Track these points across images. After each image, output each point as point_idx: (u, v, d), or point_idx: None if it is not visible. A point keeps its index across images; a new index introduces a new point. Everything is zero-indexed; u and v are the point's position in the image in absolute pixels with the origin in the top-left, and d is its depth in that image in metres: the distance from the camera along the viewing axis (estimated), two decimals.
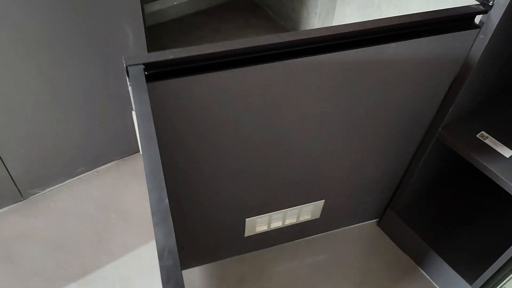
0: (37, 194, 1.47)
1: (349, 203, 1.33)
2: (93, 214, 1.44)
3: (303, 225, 1.34)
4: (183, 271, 1.33)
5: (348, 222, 1.44)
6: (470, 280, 1.17)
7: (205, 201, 1.09)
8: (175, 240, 0.52)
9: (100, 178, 1.53)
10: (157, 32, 2.09)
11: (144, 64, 0.73)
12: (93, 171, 1.54)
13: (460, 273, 1.20)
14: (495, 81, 1.10)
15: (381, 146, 1.13)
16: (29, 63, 1.16)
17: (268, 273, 1.33)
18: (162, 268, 0.50)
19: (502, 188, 1.00)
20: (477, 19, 0.90)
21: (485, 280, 1.08)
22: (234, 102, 0.85)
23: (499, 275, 0.98)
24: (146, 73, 0.74)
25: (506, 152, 1.02)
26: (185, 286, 1.28)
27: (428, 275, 1.33)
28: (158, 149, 0.60)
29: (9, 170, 1.33)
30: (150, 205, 0.55)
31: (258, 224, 1.25)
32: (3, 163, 1.30)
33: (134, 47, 1.32)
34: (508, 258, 0.97)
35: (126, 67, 0.73)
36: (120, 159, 1.58)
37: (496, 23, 0.86)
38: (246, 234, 1.27)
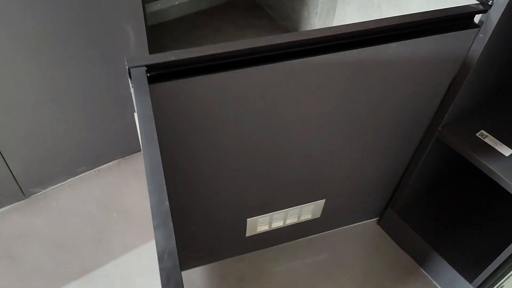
0: (39, 193, 1.48)
1: (349, 202, 1.34)
2: (94, 213, 1.44)
3: (304, 225, 1.34)
4: (184, 271, 1.33)
5: (349, 221, 1.44)
6: (470, 279, 1.17)
7: (206, 201, 1.09)
8: (175, 243, 0.52)
9: (102, 177, 1.53)
10: (158, 32, 2.10)
11: (146, 65, 0.73)
12: (94, 170, 1.55)
13: (461, 272, 1.20)
14: (494, 80, 1.10)
15: (381, 145, 1.14)
16: (30, 63, 1.17)
17: (269, 272, 1.34)
18: (162, 270, 0.50)
19: (501, 187, 1.00)
20: (477, 18, 0.90)
21: (485, 278, 1.08)
22: (235, 102, 0.86)
23: (498, 273, 0.99)
24: (148, 74, 0.74)
25: (506, 151, 1.03)
26: (185, 286, 1.29)
27: (428, 274, 1.33)
28: (159, 151, 0.61)
29: (11, 169, 1.34)
30: (151, 207, 0.55)
31: (259, 224, 1.25)
32: (5, 162, 1.31)
33: (136, 47, 1.32)
34: (507, 256, 0.98)
35: (129, 69, 0.73)
36: (121, 158, 1.59)
37: (496, 22, 0.86)
38: (247, 234, 1.27)
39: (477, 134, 1.06)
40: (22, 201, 1.45)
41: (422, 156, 1.17)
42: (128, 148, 1.58)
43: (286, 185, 1.14)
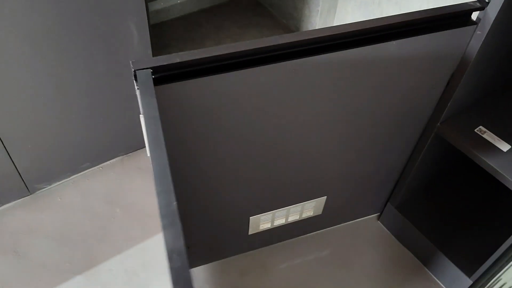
0: (44, 189, 1.49)
1: (350, 199, 1.35)
2: (98, 208, 1.46)
3: (306, 222, 1.35)
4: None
5: (349, 217, 1.46)
6: (469, 273, 1.19)
7: (209, 201, 1.10)
8: (183, 242, 0.52)
9: (105, 174, 1.55)
10: (160, 30, 2.11)
11: (151, 68, 0.74)
12: (98, 166, 1.57)
13: (460, 266, 1.21)
14: (492, 77, 1.12)
15: (380, 142, 1.15)
16: (34, 60, 1.18)
17: (271, 268, 1.35)
18: (171, 269, 0.50)
19: (500, 182, 1.02)
20: (474, 15, 0.92)
21: (483, 271, 1.09)
22: (237, 102, 0.87)
23: (496, 266, 1.00)
24: (153, 76, 0.74)
25: (504, 146, 1.04)
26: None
27: (428, 269, 1.35)
28: (166, 152, 0.61)
29: (16, 165, 1.35)
30: (159, 208, 0.55)
31: (262, 222, 1.26)
32: (11, 158, 1.32)
33: (139, 45, 1.34)
34: (505, 249, 0.99)
35: (134, 71, 0.73)
36: (125, 155, 1.61)
37: (493, 19, 0.88)
38: (250, 232, 1.28)
39: (475, 130, 1.08)
40: (27, 197, 1.47)
41: (421, 152, 1.18)
42: (131, 145, 1.60)
43: (288, 183, 1.15)
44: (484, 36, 0.90)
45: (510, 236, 0.99)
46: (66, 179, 1.52)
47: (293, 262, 1.37)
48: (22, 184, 1.42)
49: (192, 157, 0.95)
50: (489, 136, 1.06)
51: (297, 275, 1.34)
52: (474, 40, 0.93)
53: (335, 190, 1.27)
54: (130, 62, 0.74)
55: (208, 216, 1.15)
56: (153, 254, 1.36)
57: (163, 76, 0.77)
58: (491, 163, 1.01)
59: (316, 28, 1.94)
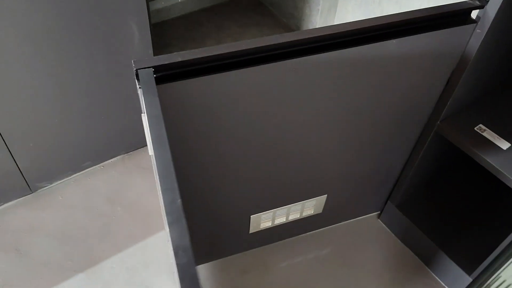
0: (45, 188, 1.50)
1: (350, 197, 1.35)
2: (99, 207, 1.47)
3: (306, 220, 1.36)
4: None
5: (350, 215, 1.46)
6: (469, 271, 1.19)
7: (210, 200, 1.11)
8: (189, 239, 0.53)
9: (106, 172, 1.56)
10: (161, 29, 2.12)
11: (153, 67, 0.74)
12: (99, 165, 1.57)
13: (460, 265, 1.22)
14: (492, 75, 1.12)
15: (380, 140, 1.15)
16: (35, 59, 1.18)
17: (272, 266, 1.36)
18: (177, 265, 0.50)
19: (500, 180, 1.02)
20: (474, 14, 0.92)
21: (482, 269, 1.10)
22: (238, 101, 0.87)
23: (496, 263, 1.00)
24: (154, 75, 0.75)
25: (504, 145, 1.04)
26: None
27: (428, 267, 1.35)
28: (169, 151, 0.61)
29: (18, 164, 1.36)
30: (164, 205, 0.56)
31: (263, 221, 1.27)
32: (12, 156, 1.33)
33: (140, 44, 1.34)
34: (504, 247, 0.99)
35: (136, 70, 0.73)
36: (125, 154, 1.61)
37: (492, 17, 0.88)
38: (251, 230, 1.29)
39: (475, 128, 1.08)
40: (29, 195, 1.48)
41: (421, 151, 1.18)
42: (132, 144, 1.60)
43: (289, 182, 1.16)
44: (484, 35, 0.91)
45: (509, 234, 0.99)
46: (68, 178, 1.53)
47: (294, 261, 1.37)
48: (23, 182, 1.43)
49: (193, 156, 0.95)
50: (489, 134, 1.07)
51: (297, 273, 1.34)
52: (473, 38, 0.93)
53: (336, 189, 1.27)
54: (132, 61, 0.75)
55: (208, 215, 1.16)
56: (154, 252, 1.36)
57: (165, 75, 0.78)
58: (491, 161, 1.01)
59: (317, 27, 1.94)
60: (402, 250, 1.40)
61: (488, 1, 0.87)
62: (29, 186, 1.45)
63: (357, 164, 1.21)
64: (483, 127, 1.08)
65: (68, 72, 1.26)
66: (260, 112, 0.92)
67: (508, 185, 1.00)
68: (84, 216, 1.44)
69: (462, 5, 0.89)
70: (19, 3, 1.07)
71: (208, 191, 1.07)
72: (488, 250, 1.08)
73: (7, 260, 1.32)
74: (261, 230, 1.31)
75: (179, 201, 0.56)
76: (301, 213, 1.30)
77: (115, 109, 1.45)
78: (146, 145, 1.62)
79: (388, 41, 0.88)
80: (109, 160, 1.59)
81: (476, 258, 1.20)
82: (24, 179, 1.42)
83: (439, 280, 1.32)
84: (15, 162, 1.35)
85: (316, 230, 1.44)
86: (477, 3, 0.89)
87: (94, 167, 1.56)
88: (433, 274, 1.34)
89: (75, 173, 1.54)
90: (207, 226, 1.20)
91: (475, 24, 0.91)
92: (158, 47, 1.98)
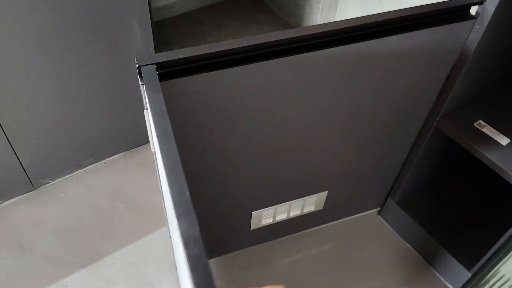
0: (47, 184, 1.51)
1: (351, 194, 1.36)
2: (101, 203, 1.47)
3: (307, 217, 1.36)
4: None
5: (350, 212, 1.47)
6: (469, 266, 1.20)
7: (212, 196, 1.11)
8: (199, 229, 0.53)
9: (108, 169, 1.57)
10: (162, 27, 2.13)
11: (155, 63, 0.75)
12: (101, 162, 1.58)
13: (459, 260, 1.23)
14: (491, 71, 1.12)
15: (381, 136, 1.16)
16: (38, 56, 1.19)
17: (273, 263, 1.36)
18: (189, 256, 0.50)
19: (499, 176, 1.03)
20: (473, 10, 0.93)
21: (481, 264, 1.10)
22: (239, 97, 0.88)
23: (495, 258, 1.01)
24: (157, 72, 0.75)
25: (503, 140, 1.05)
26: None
27: (428, 262, 1.36)
28: (175, 145, 0.61)
29: (20, 161, 1.37)
30: (172, 198, 0.55)
31: (264, 217, 1.27)
32: (15, 153, 1.34)
33: (141, 42, 1.35)
34: (503, 241, 1.00)
35: (139, 67, 0.74)
36: (127, 151, 1.62)
37: (491, 13, 0.88)
38: (252, 227, 1.29)
39: (475, 124, 1.09)
40: (31, 192, 1.49)
41: (421, 146, 1.19)
42: (133, 141, 1.61)
43: (290, 178, 1.16)
44: (483, 31, 0.91)
45: (509, 228, 1.00)
46: (70, 175, 1.54)
47: (295, 257, 1.38)
48: (26, 179, 1.44)
49: (194, 153, 0.96)
50: (488, 130, 1.07)
51: (298, 269, 1.35)
52: (473, 34, 0.94)
53: (336, 185, 1.28)
54: (135, 58, 0.75)
55: (210, 211, 1.16)
56: (155, 248, 1.37)
57: (167, 72, 0.78)
58: (491, 157, 1.02)
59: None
60: (402, 245, 1.41)
61: None
62: (31, 183, 1.46)
63: (357, 160, 1.21)
64: (483, 123, 1.08)
65: (70, 69, 1.27)
66: (261, 108, 0.92)
67: (508, 180, 1.01)
68: (86, 213, 1.45)
69: (461, 1, 0.90)
70: (22, 1, 1.07)
71: (209, 187, 1.08)
72: (488, 245, 1.09)
73: (10, 256, 1.33)
74: (262, 227, 1.31)
75: (187, 193, 0.56)
76: (302, 209, 1.31)
77: (117, 107, 1.46)
78: (147, 143, 1.63)
79: (388, 37, 0.88)
80: (111, 157, 1.60)
81: (476, 253, 1.21)
82: (27, 175, 1.43)
83: (438, 275, 1.33)
84: (18, 158, 1.36)
85: (317, 227, 1.45)
86: None
87: (96, 164, 1.57)
88: (432, 269, 1.34)
89: (77, 169, 1.54)
90: (208, 222, 1.20)
91: (474, 20, 0.92)
92: (159, 45, 1.98)
